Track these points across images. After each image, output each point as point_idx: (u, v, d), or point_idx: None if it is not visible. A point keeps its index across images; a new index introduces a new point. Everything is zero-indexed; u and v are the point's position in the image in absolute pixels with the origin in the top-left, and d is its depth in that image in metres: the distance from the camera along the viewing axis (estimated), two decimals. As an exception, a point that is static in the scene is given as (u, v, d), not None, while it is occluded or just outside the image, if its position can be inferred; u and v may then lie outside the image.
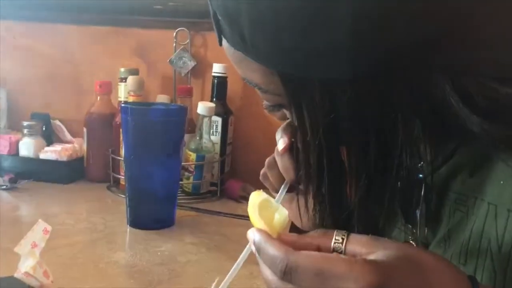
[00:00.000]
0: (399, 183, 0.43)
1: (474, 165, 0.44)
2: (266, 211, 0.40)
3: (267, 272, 0.38)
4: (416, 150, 0.41)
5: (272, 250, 0.36)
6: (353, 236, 0.38)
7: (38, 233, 0.61)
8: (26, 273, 0.57)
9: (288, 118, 0.52)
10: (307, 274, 0.35)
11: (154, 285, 0.65)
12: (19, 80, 1.25)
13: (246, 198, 1.06)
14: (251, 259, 0.75)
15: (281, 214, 0.40)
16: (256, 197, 0.41)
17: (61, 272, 0.66)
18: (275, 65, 0.38)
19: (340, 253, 0.37)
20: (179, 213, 0.91)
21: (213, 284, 0.48)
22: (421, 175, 0.50)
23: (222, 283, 0.61)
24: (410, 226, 0.50)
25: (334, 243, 0.37)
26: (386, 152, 0.39)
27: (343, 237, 0.38)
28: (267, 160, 0.61)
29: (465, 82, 0.39)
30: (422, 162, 0.51)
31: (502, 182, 0.42)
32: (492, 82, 0.39)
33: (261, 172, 0.62)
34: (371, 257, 0.36)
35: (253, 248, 0.40)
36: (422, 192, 0.48)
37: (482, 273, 0.42)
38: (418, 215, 0.49)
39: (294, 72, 0.38)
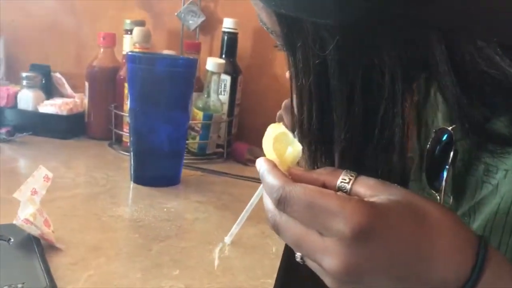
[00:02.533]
0: (383, 148, 0.40)
1: (506, 137, 0.41)
2: (280, 144, 0.40)
3: (267, 201, 0.37)
4: (400, 116, 0.38)
5: (272, 179, 0.36)
6: (362, 178, 0.37)
7: (39, 179, 0.57)
8: (26, 220, 0.53)
9: None
10: (299, 205, 0.34)
11: (160, 240, 0.61)
12: (18, 30, 1.19)
13: (253, 162, 1.03)
14: (261, 218, 0.71)
15: (294, 148, 0.40)
16: (274, 129, 0.41)
17: (62, 223, 0.62)
18: (272, 5, 0.38)
19: (345, 193, 0.36)
20: (184, 172, 0.87)
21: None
22: (446, 135, 0.47)
23: (238, 221, 0.60)
24: (434, 192, 0.47)
25: (340, 182, 0.37)
26: (369, 109, 0.38)
27: (351, 177, 0.37)
28: (284, 102, 0.62)
29: (459, 45, 0.37)
30: (454, 125, 0.48)
31: None
32: (489, 48, 0.37)
33: (278, 113, 0.65)
34: (372, 199, 0.35)
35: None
36: (451, 156, 0.45)
37: (506, 250, 0.39)
38: (443, 179, 0.46)
39: (287, 12, 0.37)
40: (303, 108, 0.40)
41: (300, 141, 0.41)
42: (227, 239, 0.62)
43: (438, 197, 0.47)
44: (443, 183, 0.46)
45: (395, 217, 0.34)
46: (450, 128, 0.48)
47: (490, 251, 0.35)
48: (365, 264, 0.33)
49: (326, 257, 0.33)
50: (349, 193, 0.36)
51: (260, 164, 0.39)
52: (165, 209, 0.71)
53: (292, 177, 0.38)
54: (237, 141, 1.07)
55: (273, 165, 0.38)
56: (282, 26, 0.39)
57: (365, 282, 0.34)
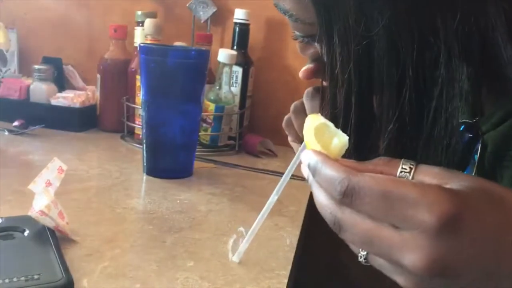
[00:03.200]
0: (438, 134, 0.37)
1: None
2: (323, 136, 0.36)
3: (322, 197, 0.33)
4: (458, 96, 0.35)
5: (331, 170, 0.32)
6: (423, 166, 0.33)
7: (53, 171, 0.57)
8: (41, 212, 0.53)
9: (319, 59, 0.47)
10: (371, 196, 0.30)
11: (174, 232, 0.61)
12: (30, 23, 1.20)
13: (264, 154, 1.02)
14: (275, 211, 0.71)
15: (340, 139, 0.36)
16: (313, 120, 0.37)
17: (76, 215, 0.62)
18: None
19: None
20: (196, 164, 0.87)
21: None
22: (470, 133, 0.45)
23: (246, 238, 0.58)
24: None
25: (401, 172, 0.33)
26: (422, 93, 0.34)
27: (412, 166, 0.33)
28: (293, 104, 0.56)
29: None
30: (477, 118, 0.46)
31: None
32: None
33: (285, 118, 0.57)
34: (446, 186, 0.31)
35: (305, 172, 0.35)
36: (478, 150, 0.43)
37: None
38: (473, 172, 0.44)
39: None
40: (338, 101, 0.37)
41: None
42: (235, 258, 0.56)
43: None
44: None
45: (478, 204, 0.31)
46: (474, 121, 0.46)
47: None
48: (452, 257, 0.30)
49: (406, 252, 0.30)
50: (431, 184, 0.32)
51: (310, 156, 0.35)
52: (178, 201, 0.71)
53: None
54: (249, 133, 1.06)
55: (327, 156, 0.34)
56: (318, 7, 0.36)
57: (449, 277, 0.30)
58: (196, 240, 0.59)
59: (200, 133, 0.96)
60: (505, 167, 0.43)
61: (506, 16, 0.35)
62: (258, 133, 1.07)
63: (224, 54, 0.96)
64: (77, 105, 1.04)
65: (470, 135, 0.45)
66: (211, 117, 0.98)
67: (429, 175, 0.33)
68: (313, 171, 0.34)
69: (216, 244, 0.59)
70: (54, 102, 1.04)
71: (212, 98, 0.98)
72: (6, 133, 0.97)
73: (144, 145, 0.81)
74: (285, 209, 0.72)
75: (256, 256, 0.57)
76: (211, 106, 0.98)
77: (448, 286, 0.31)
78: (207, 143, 1.00)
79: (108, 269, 0.51)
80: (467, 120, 0.47)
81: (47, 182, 0.56)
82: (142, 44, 0.80)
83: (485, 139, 0.44)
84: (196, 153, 0.87)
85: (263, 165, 0.94)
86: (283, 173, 0.50)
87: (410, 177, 0.33)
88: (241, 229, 0.63)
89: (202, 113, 0.93)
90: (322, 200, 0.33)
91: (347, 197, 0.31)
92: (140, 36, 1.02)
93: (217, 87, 0.99)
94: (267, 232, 0.64)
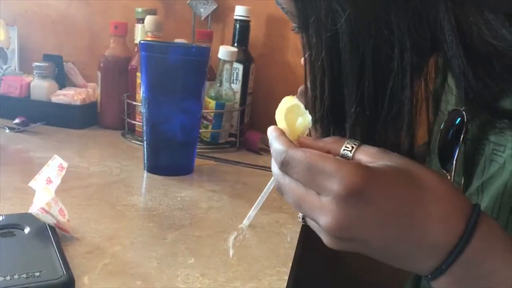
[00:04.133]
0: (393, 118, 0.41)
1: None
2: (292, 115, 0.42)
3: (273, 166, 0.40)
4: (409, 85, 0.39)
5: (278, 144, 0.39)
6: (364, 147, 0.39)
7: (54, 168, 0.57)
8: (42, 209, 0.53)
9: None
10: (299, 167, 0.37)
11: (175, 229, 0.61)
12: (31, 20, 1.19)
13: (265, 150, 1.02)
14: (275, 208, 0.71)
15: (304, 118, 0.42)
16: (287, 102, 0.43)
17: (77, 212, 0.62)
18: None
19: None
20: (197, 161, 0.87)
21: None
22: (459, 118, 0.48)
23: (255, 204, 0.62)
24: (445, 172, 0.48)
25: (344, 150, 0.39)
26: (379, 81, 0.39)
27: (354, 145, 0.39)
28: (299, 88, 0.61)
29: (467, 16, 0.38)
30: (463, 107, 0.48)
31: None
32: (497, 20, 0.38)
33: (299, 89, 0.62)
34: (371, 165, 0.36)
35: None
36: (462, 135, 0.46)
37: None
38: (454, 159, 0.47)
39: None
40: (316, 84, 0.42)
41: (313, 116, 0.42)
42: (245, 222, 0.63)
43: (448, 177, 0.48)
44: (454, 162, 0.47)
45: (390, 180, 0.35)
46: (462, 109, 0.48)
47: (483, 219, 0.35)
48: (356, 223, 0.35)
49: (321, 215, 0.36)
50: (351, 160, 0.38)
51: (270, 131, 0.42)
52: (179, 198, 0.71)
53: (300, 145, 0.40)
54: (250, 130, 1.06)
55: (281, 133, 0.41)
56: (296, 2, 0.41)
57: (357, 241, 0.36)
58: (197, 237, 0.59)
59: (201, 130, 0.96)
60: (479, 154, 0.46)
61: (454, 13, 0.38)
62: (259, 129, 1.07)
63: (224, 51, 0.96)
64: (78, 103, 1.04)
65: (459, 123, 0.48)
66: (212, 114, 0.98)
67: (366, 154, 0.38)
68: (270, 144, 0.40)
69: (217, 241, 0.59)
70: (54, 99, 1.05)
71: (212, 95, 0.98)
72: (7, 130, 0.97)
73: (145, 142, 0.81)
74: (286, 205, 0.72)
75: (257, 252, 0.57)
76: (212, 103, 0.98)
77: (361, 248, 0.37)
78: (208, 140, 1.00)
79: (109, 266, 0.51)
80: (457, 108, 0.50)
81: (48, 180, 0.56)
82: (142, 41, 0.80)
83: (469, 126, 0.47)
84: (197, 150, 0.87)
85: (263, 162, 0.94)
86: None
87: (351, 154, 0.38)
88: (242, 225, 0.63)
89: (203, 110, 0.93)
90: (274, 168, 0.40)
91: (284, 166, 0.38)
92: (141, 33, 1.02)
93: (218, 84, 0.98)
94: (267, 229, 0.64)
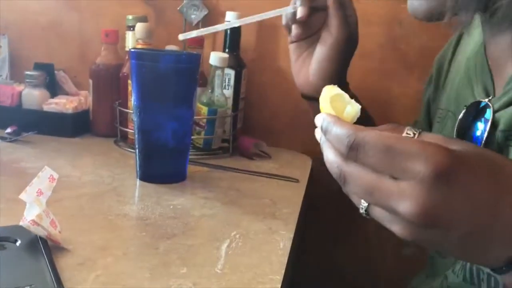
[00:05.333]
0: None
1: None
2: (337, 103, 0.40)
3: (331, 154, 0.36)
4: None
5: (341, 128, 0.35)
6: (426, 133, 0.36)
7: (44, 180, 0.56)
8: (33, 221, 0.53)
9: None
10: (375, 150, 0.33)
11: (167, 238, 0.61)
12: (21, 29, 1.19)
13: (258, 156, 1.02)
14: (268, 214, 0.71)
15: (353, 106, 0.40)
16: (330, 90, 0.41)
17: (68, 223, 0.62)
18: None
19: None
20: (190, 168, 0.86)
21: None
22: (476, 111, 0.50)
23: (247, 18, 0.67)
24: None
25: (406, 134, 0.36)
26: None
27: (415, 132, 0.36)
28: None
29: None
30: (490, 96, 0.51)
31: None
32: None
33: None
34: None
35: (318, 135, 0.39)
36: (487, 128, 0.47)
37: None
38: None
39: None
40: None
41: None
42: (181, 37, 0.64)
43: None
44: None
45: (475, 163, 0.33)
46: (487, 100, 0.50)
47: None
48: (444, 207, 0.32)
49: (402, 200, 0.32)
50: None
51: (322, 117, 0.38)
52: (171, 206, 0.71)
53: None
54: (243, 135, 1.06)
55: (338, 118, 0.37)
56: None
57: (442, 228, 0.33)
58: (189, 246, 0.59)
59: (193, 137, 0.96)
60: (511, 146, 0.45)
61: None
62: (251, 135, 1.07)
63: (215, 57, 0.96)
64: (70, 111, 1.04)
65: (480, 114, 0.50)
66: (204, 120, 0.98)
67: (432, 139, 0.35)
68: (325, 131, 0.37)
69: (209, 250, 0.59)
70: (46, 108, 1.04)
71: (204, 101, 0.98)
72: (-1, 140, 0.96)
73: (137, 150, 0.81)
74: (279, 211, 0.72)
75: (250, 261, 0.57)
76: (204, 109, 0.98)
77: (441, 237, 0.33)
78: (200, 147, 1.00)
79: (101, 277, 0.51)
80: (479, 99, 0.51)
81: (38, 191, 0.56)
82: (132, 49, 0.80)
83: (496, 118, 0.47)
84: (190, 156, 0.87)
85: (256, 167, 0.94)
86: (276, 175, 0.51)
87: (416, 137, 0.36)
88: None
89: (195, 117, 0.93)
90: (331, 157, 0.36)
91: (353, 150, 0.34)
92: (132, 40, 1.02)
93: (210, 90, 0.98)
94: (260, 236, 0.64)
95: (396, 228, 0.34)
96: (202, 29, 0.69)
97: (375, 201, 0.35)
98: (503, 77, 0.51)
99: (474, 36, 0.62)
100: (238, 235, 0.63)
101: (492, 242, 0.34)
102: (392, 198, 0.33)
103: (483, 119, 0.50)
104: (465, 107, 0.53)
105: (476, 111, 0.51)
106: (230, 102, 1.03)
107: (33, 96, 1.05)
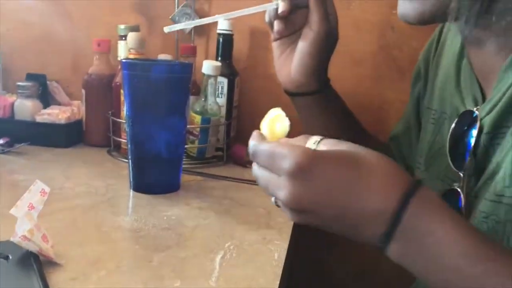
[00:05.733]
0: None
1: None
2: (273, 123, 0.50)
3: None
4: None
5: (251, 140, 0.48)
6: (327, 140, 0.46)
7: (36, 194, 0.56)
8: (24, 237, 0.52)
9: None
10: (264, 155, 0.45)
11: (161, 250, 0.60)
12: (13, 40, 1.19)
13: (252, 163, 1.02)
14: (262, 223, 0.71)
15: (282, 124, 0.50)
16: (271, 112, 0.51)
17: (61, 236, 0.62)
18: None
19: None
20: (184, 177, 0.86)
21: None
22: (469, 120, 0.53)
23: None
24: (457, 170, 0.53)
25: (309, 144, 0.46)
26: None
27: (317, 139, 0.46)
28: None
29: None
30: (478, 106, 0.54)
31: None
32: None
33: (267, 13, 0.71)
34: (324, 150, 0.45)
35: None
36: (473, 139, 0.51)
37: None
38: (467, 161, 0.52)
39: None
40: None
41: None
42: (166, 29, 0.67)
43: (462, 175, 0.53)
44: (466, 162, 0.52)
45: (333, 159, 0.43)
46: (475, 109, 0.54)
47: (421, 190, 0.42)
48: (307, 195, 0.42)
49: (280, 190, 0.43)
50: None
51: (252, 135, 0.49)
52: (165, 217, 0.71)
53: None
54: (236, 143, 1.06)
55: (257, 134, 0.49)
56: None
57: (311, 212, 0.43)
58: (183, 259, 0.59)
59: (187, 146, 0.96)
60: (496, 144, 0.50)
61: None
62: (245, 143, 1.06)
63: (208, 66, 0.96)
64: (63, 121, 1.03)
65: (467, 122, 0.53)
66: (198, 129, 0.97)
67: (327, 144, 0.46)
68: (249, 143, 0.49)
69: (203, 262, 0.59)
70: (39, 119, 1.04)
71: (198, 110, 0.98)
72: (-9, 152, 0.96)
73: (130, 160, 0.81)
74: (273, 221, 0.72)
75: (244, 272, 0.57)
76: (197, 118, 0.98)
77: (315, 219, 0.44)
78: (194, 155, 0.99)
79: (94, 292, 0.50)
80: (469, 108, 0.55)
81: (30, 206, 0.55)
82: (124, 60, 0.80)
83: (482, 123, 0.51)
84: (184, 165, 0.87)
85: (250, 176, 0.93)
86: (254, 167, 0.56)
87: (315, 146, 0.46)
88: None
89: (188, 126, 0.93)
90: (253, 165, 0.48)
91: (253, 157, 0.47)
92: (124, 50, 1.02)
93: (203, 99, 0.98)
94: (254, 247, 0.64)
95: (286, 213, 0.45)
96: (187, 22, 0.73)
97: (270, 193, 0.46)
98: (490, 84, 0.53)
99: (455, 39, 0.64)
100: (232, 246, 0.63)
101: (358, 220, 0.42)
102: (275, 189, 0.44)
103: (476, 126, 0.53)
104: (457, 116, 0.55)
105: (469, 120, 0.53)
106: (223, 110, 1.03)
107: (25, 107, 1.05)
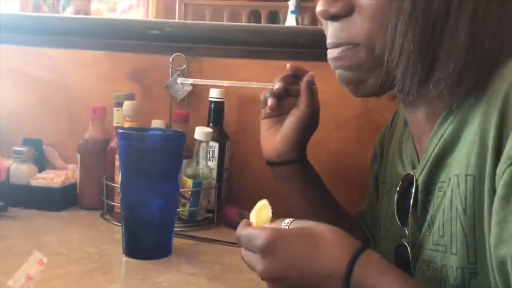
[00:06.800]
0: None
1: (454, 145, 0.54)
2: (259, 211, 0.61)
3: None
4: None
5: (238, 229, 0.59)
6: (296, 221, 0.56)
7: (33, 265, 0.58)
8: (21, 309, 0.54)
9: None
10: (243, 238, 0.56)
11: (154, 319, 0.62)
12: (10, 105, 1.22)
13: (243, 225, 1.04)
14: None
15: (266, 212, 0.61)
16: (259, 203, 0.62)
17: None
18: None
19: None
20: (175, 241, 0.88)
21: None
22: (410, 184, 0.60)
23: None
24: (405, 229, 0.60)
25: (283, 225, 0.56)
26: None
27: (288, 221, 0.56)
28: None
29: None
30: (415, 169, 0.61)
31: (466, 151, 0.50)
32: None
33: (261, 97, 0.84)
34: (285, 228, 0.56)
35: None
36: (412, 197, 0.59)
37: (456, 240, 0.51)
38: (408, 217, 0.59)
39: None
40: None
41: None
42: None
43: (407, 232, 0.60)
44: (409, 219, 0.59)
45: (293, 235, 0.54)
46: (412, 172, 0.60)
47: (366, 254, 0.51)
48: (274, 266, 0.53)
49: (255, 266, 0.54)
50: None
51: (240, 223, 0.60)
52: (157, 284, 0.73)
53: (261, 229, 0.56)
54: (227, 205, 1.09)
55: (243, 223, 0.60)
56: None
57: (280, 279, 0.53)
58: (175, 327, 0.61)
59: (178, 209, 0.98)
60: (430, 200, 0.57)
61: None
62: (236, 204, 1.09)
63: (200, 132, 1.00)
64: (57, 185, 1.06)
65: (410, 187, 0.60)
66: (189, 192, 1.00)
67: (295, 224, 0.56)
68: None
69: (195, 330, 0.60)
70: (34, 182, 1.06)
71: (190, 173, 1.01)
72: (-14, 217, 0.97)
73: (123, 226, 0.83)
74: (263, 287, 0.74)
75: None
76: (189, 182, 1.01)
77: (284, 285, 0.53)
78: (185, 218, 1.02)
79: None
80: (409, 172, 0.62)
81: (27, 277, 0.57)
82: (120, 130, 0.84)
83: (418, 183, 0.58)
84: (175, 228, 0.89)
85: (241, 239, 0.96)
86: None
87: (287, 226, 0.56)
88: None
89: (180, 190, 0.96)
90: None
91: (238, 240, 0.58)
92: (119, 117, 1.06)
93: (195, 163, 1.02)
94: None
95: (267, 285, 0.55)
96: (196, 79, 0.85)
97: (251, 268, 0.56)
98: (424, 146, 0.59)
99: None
100: None
101: (319, 282, 0.51)
102: (253, 265, 0.55)
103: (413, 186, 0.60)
104: (400, 181, 0.63)
105: (409, 183, 0.60)
106: (214, 173, 1.06)
107: (21, 172, 1.07)
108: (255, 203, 0.81)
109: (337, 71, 0.60)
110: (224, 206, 1.09)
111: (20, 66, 1.22)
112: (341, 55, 0.57)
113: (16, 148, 1.09)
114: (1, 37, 1.19)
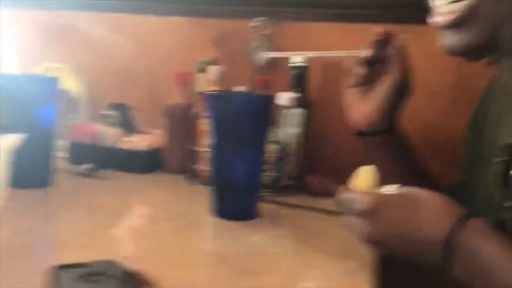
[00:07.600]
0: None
1: None
2: (362, 177, 0.60)
3: None
4: None
5: (339, 194, 0.58)
6: (400, 187, 0.56)
7: (134, 217, 0.60)
8: (123, 257, 0.55)
9: None
10: (343, 202, 0.57)
11: (247, 275, 0.62)
12: (96, 72, 1.26)
13: (324, 193, 1.03)
14: (343, 255, 0.70)
15: (370, 180, 0.59)
16: (363, 168, 0.61)
17: (149, 260, 0.64)
18: None
19: None
20: (259, 206, 0.88)
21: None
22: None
23: None
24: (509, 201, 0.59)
25: (388, 191, 0.57)
26: None
27: (394, 187, 0.57)
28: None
29: None
30: None
31: None
32: None
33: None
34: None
35: None
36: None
37: None
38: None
39: None
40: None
41: None
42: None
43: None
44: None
45: (393, 201, 0.55)
46: None
47: (472, 221, 0.51)
48: (376, 231, 0.54)
49: (357, 230, 0.56)
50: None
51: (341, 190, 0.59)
52: (246, 243, 0.73)
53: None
54: (309, 173, 1.07)
55: (345, 188, 0.59)
56: None
57: (382, 243, 0.55)
58: (269, 284, 0.60)
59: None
60: None
61: None
62: (317, 173, 1.07)
63: (283, 98, 0.99)
64: (143, 149, 1.09)
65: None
66: (272, 158, 1.00)
67: (399, 190, 0.57)
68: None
69: (288, 289, 0.60)
70: (121, 145, 1.10)
71: (272, 139, 1.01)
72: (77, 176, 1.02)
73: (212, 188, 0.84)
74: (351, 251, 0.71)
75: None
76: (272, 148, 1.00)
77: (387, 248, 0.56)
78: (268, 184, 1.01)
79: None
80: (510, 143, 0.60)
81: (130, 228, 0.59)
82: (207, 92, 0.84)
83: None
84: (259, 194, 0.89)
85: (323, 205, 0.94)
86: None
87: (393, 191, 0.56)
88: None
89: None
90: None
91: (339, 204, 0.58)
92: (202, 82, 1.06)
93: (277, 130, 1.01)
94: (338, 276, 0.64)
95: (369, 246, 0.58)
96: (280, 52, 0.84)
97: (352, 232, 0.57)
98: None
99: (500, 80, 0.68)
100: (313, 277, 0.64)
101: (420, 248, 0.52)
102: (355, 230, 0.56)
103: None
104: (501, 152, 0.60)
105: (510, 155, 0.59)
106: (297, 140, 1.05)
107: (108, 135, 1.11)
108: (337, 173, 0.82)
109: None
110: (305, 174, 1.07)
111: (102, 33, 1.25)
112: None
113: (103, 112, 1.13)
114: (85, 4, 1.22)
